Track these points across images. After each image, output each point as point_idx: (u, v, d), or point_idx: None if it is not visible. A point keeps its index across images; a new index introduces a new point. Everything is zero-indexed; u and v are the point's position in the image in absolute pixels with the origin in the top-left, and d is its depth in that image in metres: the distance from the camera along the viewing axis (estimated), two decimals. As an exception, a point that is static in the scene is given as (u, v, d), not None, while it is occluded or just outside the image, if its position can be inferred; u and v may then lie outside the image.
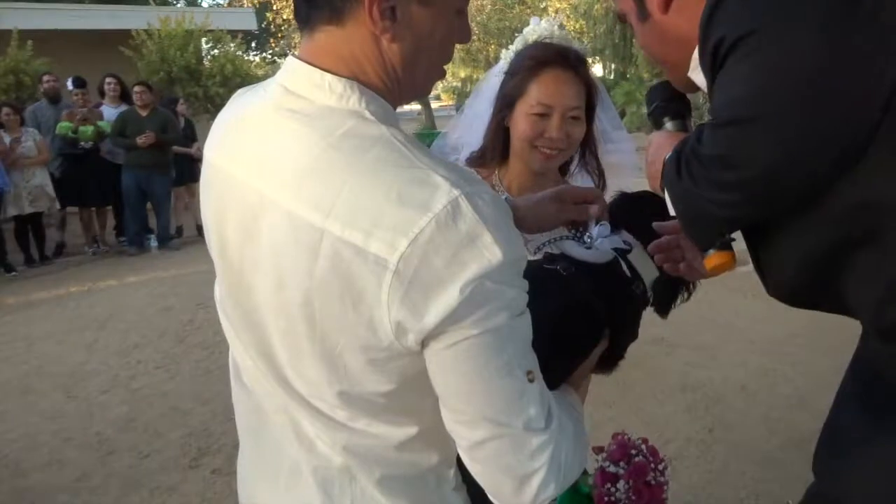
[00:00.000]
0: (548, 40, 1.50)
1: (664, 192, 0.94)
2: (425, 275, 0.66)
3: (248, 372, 0.89)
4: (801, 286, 0.89)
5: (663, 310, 1.13)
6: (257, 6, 18.06)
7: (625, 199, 1.11)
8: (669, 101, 1.06)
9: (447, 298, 0.66)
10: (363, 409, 0.78)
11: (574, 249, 1.05)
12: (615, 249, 1.06)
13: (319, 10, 0.75)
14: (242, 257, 0.79)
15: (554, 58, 1.41)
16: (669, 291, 1.11)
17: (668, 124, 1.05)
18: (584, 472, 1.53)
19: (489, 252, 0.67)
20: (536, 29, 1.54)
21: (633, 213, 1.10)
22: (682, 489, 2.59)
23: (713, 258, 0.98)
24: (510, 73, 1.47)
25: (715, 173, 0.80)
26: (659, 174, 0.95)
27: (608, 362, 1.08)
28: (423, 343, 0.70)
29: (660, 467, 1.50)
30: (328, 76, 0.75)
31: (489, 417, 0.71)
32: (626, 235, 1.06)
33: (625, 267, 1.04)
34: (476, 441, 0.73)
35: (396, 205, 0.67)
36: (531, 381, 0.72)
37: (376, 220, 0.67)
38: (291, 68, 0.78)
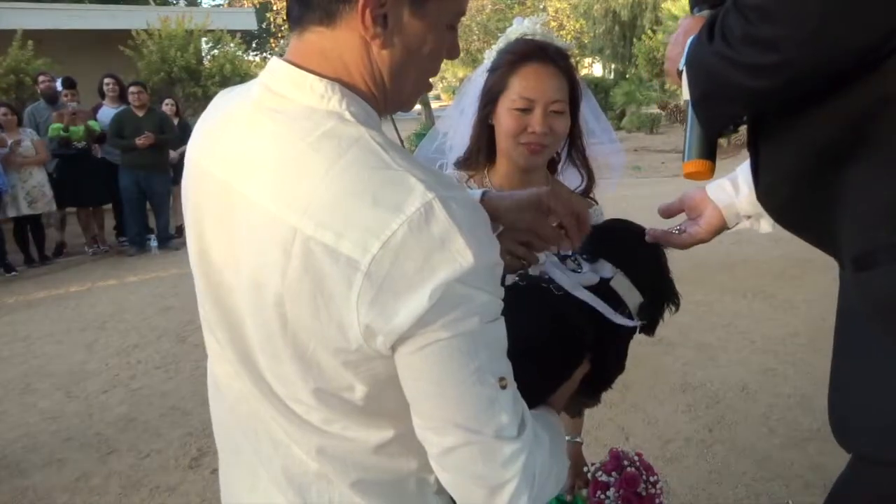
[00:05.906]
0: (529, 37, 1.49)
1: (680, 77, 0.90)
2: (396, 278, 0.66)
3: (225, 376, 0.89)
4: (796, 194, 0.85)
5: (650, 328, 1.11)
6: (257, 6, 18.04)
7: (597, 229, 1.10)
8: None
9: (417, 302, 0.66)
10: (339, 410, 0.77)
11: (558, 275, 1.03)
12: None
13: (312, 12, 0.75)
14: (221, 256, 0.79)
15: (533, 52, 1.40)
16: (655, 312, 1.10)
17: (704, 13, 0.97)
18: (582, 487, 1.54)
19: (461, 256, 0.66)
20: (519, 28, 1.54)
21: (609, 242, 1.09)
22: (682, 489, 2.59)
23: (691, 164, 0.96)
24: (491, 70, 1.46)
25: (756, 28, 0.74)
26: (679, 57, 0.92)
27: (594, 391, 1.06)
28: (394, 347, 0.69)
29: (651, 479, 1.52)
30: (310, 76, 0.75)
31: (459, 424, 0.70)
32: (605, 264, 1.05)
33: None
34: (446, 448, 0.72)
35: (370, 206, 0.66)
36: (503, 387, 0.71)
37: (349, 221, 0.66)
38: (274, 68, 0.78)
